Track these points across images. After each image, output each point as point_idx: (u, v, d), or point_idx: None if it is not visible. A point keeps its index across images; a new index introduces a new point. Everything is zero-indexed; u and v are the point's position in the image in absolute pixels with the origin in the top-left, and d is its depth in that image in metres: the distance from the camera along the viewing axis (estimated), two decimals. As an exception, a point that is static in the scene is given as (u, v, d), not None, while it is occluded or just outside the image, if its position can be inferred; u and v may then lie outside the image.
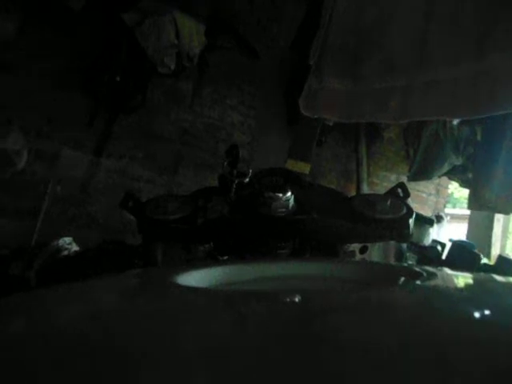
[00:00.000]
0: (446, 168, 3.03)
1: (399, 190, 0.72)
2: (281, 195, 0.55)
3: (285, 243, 0.55)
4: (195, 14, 2.22)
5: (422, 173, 2.97)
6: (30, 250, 1.89)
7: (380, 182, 3.12)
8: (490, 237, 4.31)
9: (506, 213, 2.94)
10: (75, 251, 1.93)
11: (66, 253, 1.96)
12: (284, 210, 0.55)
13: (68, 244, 2.03)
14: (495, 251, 4.46)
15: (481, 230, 4.23)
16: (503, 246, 4.64)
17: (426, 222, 0.73)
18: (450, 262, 0.65)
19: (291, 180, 0.72)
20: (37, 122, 2.15)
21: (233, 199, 0.58)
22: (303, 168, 2.06)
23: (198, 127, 2.46)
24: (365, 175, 2.82)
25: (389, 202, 0.63)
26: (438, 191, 3.69)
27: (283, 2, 2.53)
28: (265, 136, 2.51)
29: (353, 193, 2.80)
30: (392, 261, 0.62)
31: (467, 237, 4.31)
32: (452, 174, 3.19)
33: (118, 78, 2.13)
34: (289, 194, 0.56)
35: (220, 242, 0.57)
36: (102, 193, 2.36)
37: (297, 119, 2.07)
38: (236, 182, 0.60)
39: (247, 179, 0.64)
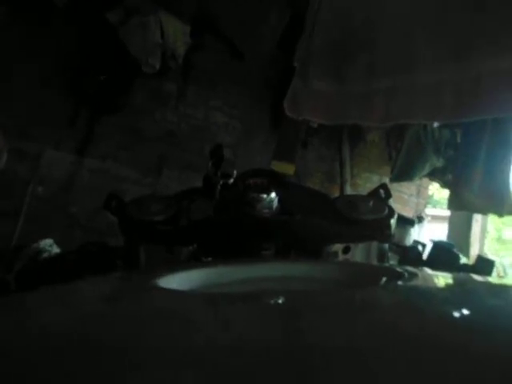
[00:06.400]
0: (427, 170, 3.09)
1: (381, 191, 0.73)
2: (265, 196, 0.55)
3: (268, 244, 0.55)
4: (180, 14, 2.21)
5: (403, 174, 3.02)
6: (10, 253, 1.85)
7: (363, 183, 3.16)
8: (468, 237, 4.41)
9: (484, 213, 3.01)
10: (56, 253, 1.90)
11: (46, 255, 1.92)
12: (268, 210, 0.56)
13: (49, 246, 1.99)
14: (474, 251, 4.55)
15: (460, 231, 4.32)
16: (481, 246, 4.75)
17: (407, 223, 0.75)
18: (431, 263, 0.66)
19: (275, 181, 0.73)
20: (18, 122, 2.11)
21: (217, 200, 0.58)
22: (287, 169, 2.08)
23: (182, 128, 2.45)
24: (348, 177, 2.85)
25: (371, 203, 0.64)
26: (419, 192, 3.75)
27: (269, 3, 2.54)
28: (250, 137, 2.52)
29: (337, 194, 2.83)
30: (374, 261, 0.63)
31: (447, 237, 4.39)
32: (433, 175, 3.26)
33: (102, 78, 2.11)
34: (273, 195, 0.56)
35: (204, 244, 0.57)
36: (84, 194, 2.33)
37: (282, 120, 2.08)
38: (220, 182, 0.60)
39: (232, 180, 0.64)
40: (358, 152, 3.06)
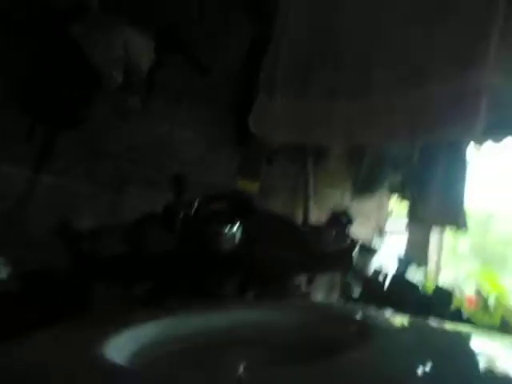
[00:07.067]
0: (386, 185, 3.20)
1: (343, 217, 0.74)
2: (227, 229, 0.54)
3: (230, 278, 0.54)
4: (144, 29, 2.19)
5: (364, 190, 3.10)
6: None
7: (326, 199, 3.20)
8: (426, 250, 4.57)
9: (441, 226, 3.13)
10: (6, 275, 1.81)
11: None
12: (231, 242, 0.54)
13: (-1, 265, 1.89)
14: (432, 264, 4.72)
15: (418, 244, 4.48)
16: (439, 259, 4.93)
17: (369, 252, 0.76)
18: (391, 295, 0.67)
19: (239, 206, 0.72)
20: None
21: (177, 232, 0.56)
22: (252, 187, 2.07)
23: (145, 144, 2.40)
24: (311, 193, 2.88)
25: (334, 234, 0.64)
26: (379, 206, 3.84)
27: (236, 16, 2.56)
28: (214, 153, 2.50)
29: (300, 211, 2.85)
30: (337, 291, 0.63)
31: (405, 250, 4.53)
32: (392, 189, 3.36)
33: (60, 91, 2.04)
34: (235, 226, 0.55)
35: (162, 280, 0.55)
36: (41, 211, 2.23)
37: (247, 136, 2.08)
38: (182, 214, 0.58)
39: (193, 210, 0.63)
40: (322, 167, 3.10)
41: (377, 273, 0.74)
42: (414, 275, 3.78)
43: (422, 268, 4.10)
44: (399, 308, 0.58)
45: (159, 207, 2.39)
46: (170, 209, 0.58)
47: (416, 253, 4.31)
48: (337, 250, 0.60)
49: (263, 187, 2.33)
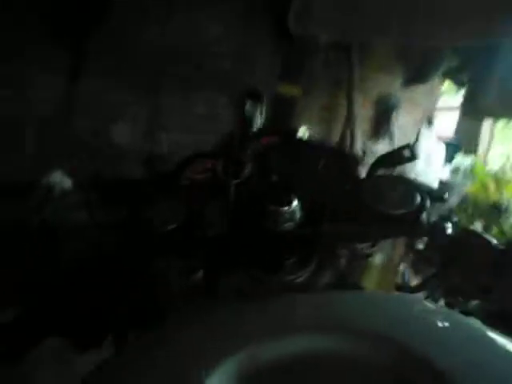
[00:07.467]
0: (442, 69, 2.91)
1: (406, 152, 0.67)
2: (286, 208, 0.50)
3: (288, 258, 0.51)
4: None
5: (418, 77, 2.84)
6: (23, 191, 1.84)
7: (372, 87, 2.98)
8: (478, 131, 4.34)
9: (500, 118, 2.90)
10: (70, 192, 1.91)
11: (59, 190, 1.93)
12: (291, 223, 0.50)
13: (59, 179, 1.98)
14: (483, 145, 4.53)
15: (470, 124, 4.24)
16: (490, 141, 4.71)
17: (434, 200, 0.68)
18: (461, 249, 0.63)
19: (285, 142, 0.67)
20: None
21: (231, 207, 0.52)
22: (294, 91, 1.93)
23: (175, 42, 2.23)
24: (357, 81, 2.67)
25: (400, 191, 0.58)
26: (429, 92, 3.56)
27: None
28: (251, 49, 2.29)
29: (343, 102, 2.68)
30: (401, 250, 0.59)
31: (456, 130, 4.32)
32: (446, 74, 3.07)
33: None
34: (294, 203, 0.50)
35: (218, 260, 0.53)
36: (84, 115, 2.24)
37: (287, 37, 1.86)
38: (233, 182, 0.54)
39: (246, 173, 0.58)
40: (369, 50, 2.82)
41: (443, 219, 0.67)
42: (463, 162, 3.64)
43: (471, 154, 3.94)
44: (470, 265, 0.54)
45: (198, 109, 2.32)
46: (219, 179, 0.54)
47: (466, 133, 4.11)
48: (404, 214, 0.55)
49: (305, 88, 2.15)
